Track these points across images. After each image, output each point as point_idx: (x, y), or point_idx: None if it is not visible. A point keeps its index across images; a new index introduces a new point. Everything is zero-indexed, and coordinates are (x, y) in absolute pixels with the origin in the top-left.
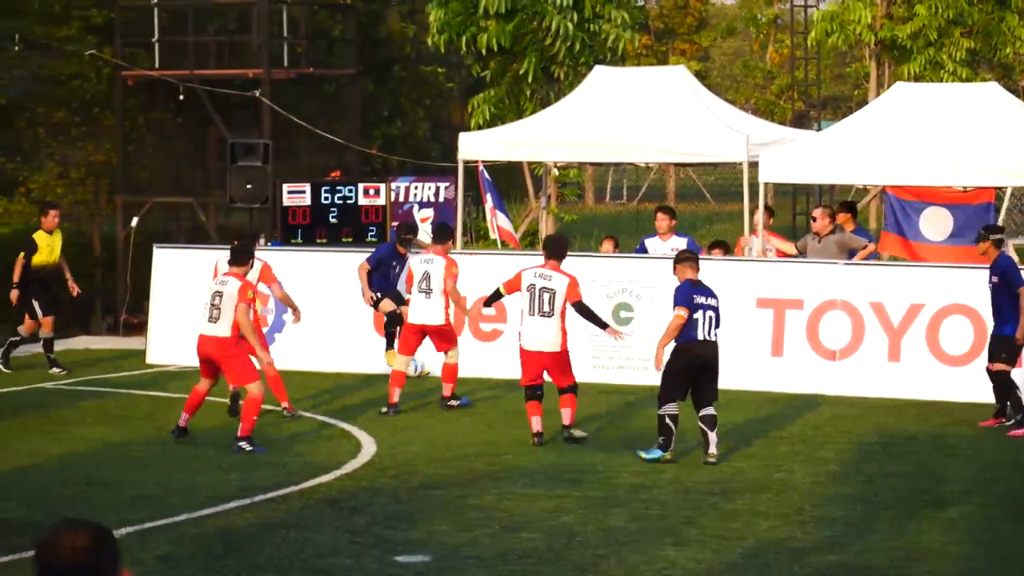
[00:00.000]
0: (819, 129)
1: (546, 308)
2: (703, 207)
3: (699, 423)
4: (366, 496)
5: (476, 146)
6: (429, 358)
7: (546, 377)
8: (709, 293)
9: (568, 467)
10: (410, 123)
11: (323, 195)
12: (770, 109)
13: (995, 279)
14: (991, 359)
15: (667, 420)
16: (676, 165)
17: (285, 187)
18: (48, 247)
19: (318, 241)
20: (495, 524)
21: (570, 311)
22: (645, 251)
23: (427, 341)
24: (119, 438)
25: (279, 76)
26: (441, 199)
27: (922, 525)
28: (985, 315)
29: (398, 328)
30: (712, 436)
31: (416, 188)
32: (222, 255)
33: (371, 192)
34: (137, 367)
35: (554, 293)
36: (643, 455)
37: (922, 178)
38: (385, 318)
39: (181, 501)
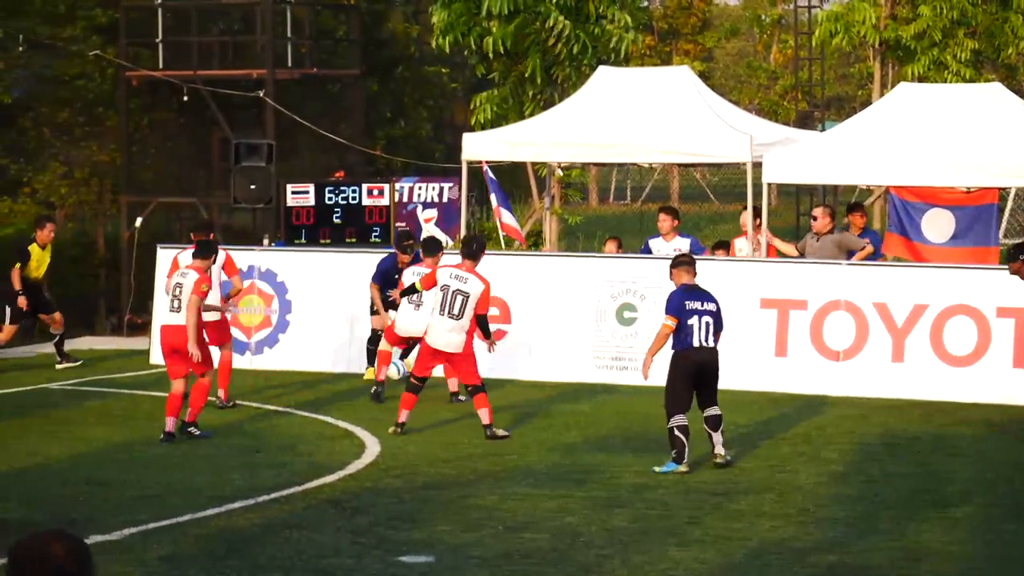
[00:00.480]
0: (823, 129)
1: (455, 310)
2: (707, 207)
3: (703, 425)
4: (369, 496)
5: (480, 146)
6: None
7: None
8: (706, 298)
9: (571, 467)
10: (413, 123)
11: (327, 195)
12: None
13: None
14: None
15: (676, 432)
16: (680, 166)
17: (289, 187)
18: (36, 263)
19: (322, 242)
20: (498, 524)
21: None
22: (649, 251)
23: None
24: (122, 438)
25: (283, 76)
26: (445, 199)
27: (924, 525)
28: (989, 316)
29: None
30: (717, 436)
31: (420, 189)
32: (184, 253)
33: (375, 193)
34: (141, 367)
35: (467, 297)
36: (657, 470)
37: (926, 178)
38: (370, 333)
39: (183, 501)
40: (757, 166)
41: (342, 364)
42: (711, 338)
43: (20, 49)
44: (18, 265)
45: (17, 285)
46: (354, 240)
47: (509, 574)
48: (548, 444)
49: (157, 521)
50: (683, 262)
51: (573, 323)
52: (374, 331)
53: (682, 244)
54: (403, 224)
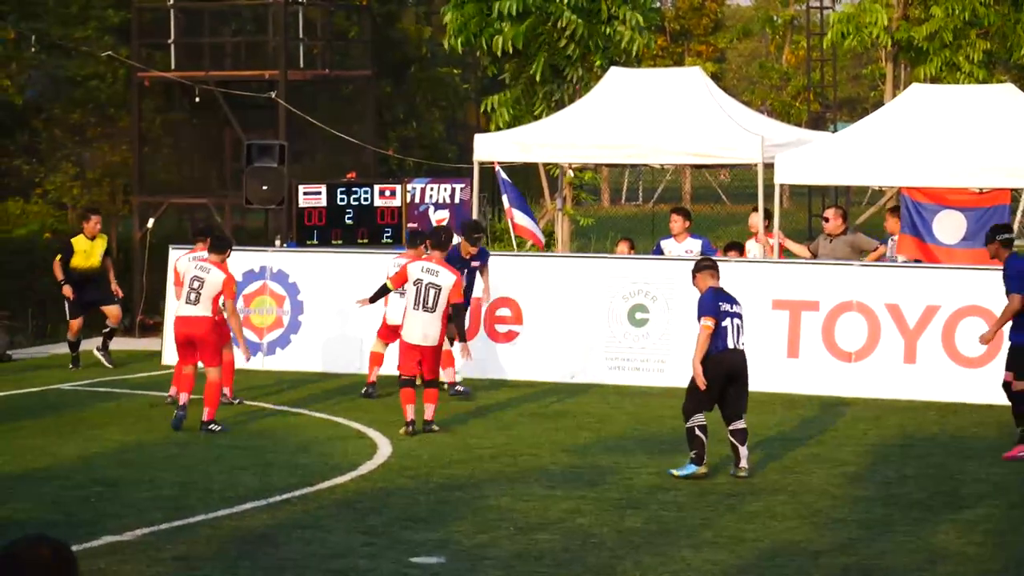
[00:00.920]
0: (835, 130)
1: (430, 304)
2: (719, 208)
3: (729, 437)
4: (382, 497)
5: (492, 147)
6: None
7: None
8: (733, 300)
9: (585, 468)
10: (426, 124)
11: (339, 196)
12: (786, 111)
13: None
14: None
15: (697, 432)
16: (692, 167)
17: (301, 188)
18: (85, 252)
19: (333, 242)
20: (511, 525)
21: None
22: (661, 252)
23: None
24: (134, 439)
25: (295, 77)
26: (457, 200)
27: (939, 527)
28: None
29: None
30: (743, 451)
31: (432, 189)
32: (182, 259)
33: (387, 193)
34: (153, 368)
35: (440, 290)
36: (676, 472)
37: (938, 179)
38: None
39: (197, 502)
40: (769, 167)
41: (354, 365)
42: (741, 340)
43: (33, 50)
44: (59, 257)
45: (58, 276)
46: (366, 241)
47: (522, 575)
48: (561, 445)
49: (170, 521)
50: (707, 266)
51: (585, 324)
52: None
53: (694, 245)
54: (415, 225)
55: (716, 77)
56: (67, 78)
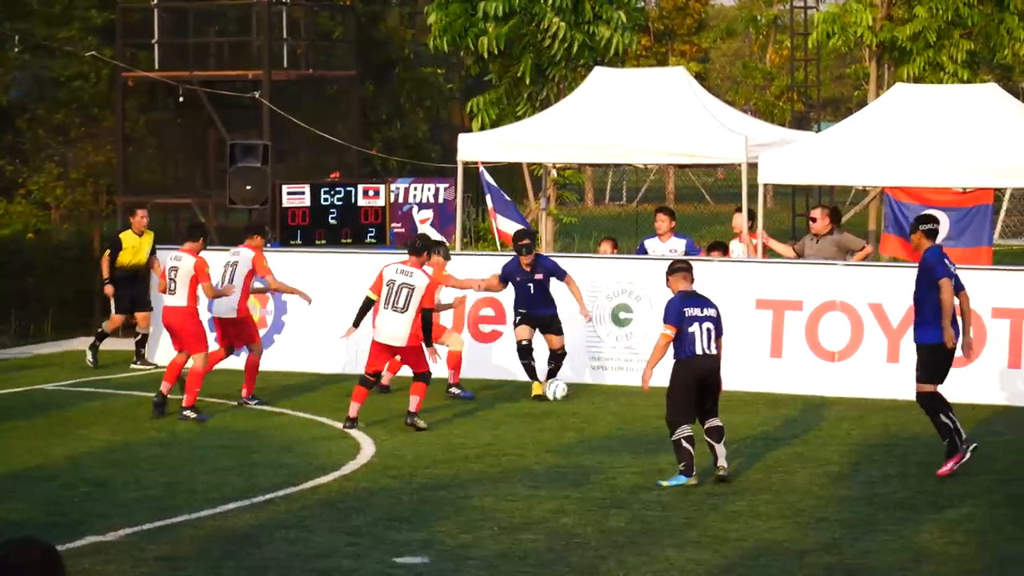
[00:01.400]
0: (819, 130)
1: (400, 303)
2: (702, 208)
3: (705, 437)
4: (366, 497)
5: (476, 147)
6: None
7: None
8: (705, 303)
9: (569, 468)
10: (409, 124)
11: (322, 196)
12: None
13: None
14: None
15: (684, 444)
16: (675, 166)
17: (284, 188)
18: (133, 248)
19: (317, 242)
20: (495, 525)
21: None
22: (645, 252)
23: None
24: (121, 439)
25: (279, 77)
26: (440, 200)
27: (922, 526)
28: (984, 317)
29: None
30: (720, 448)
31: (415, 189)
32: (168, 255)
33: (370, 193)
34: (138, 368)
35: (412, 290)
36: (664, 484)
37: (922, 179)
38: (520, 344)
39: (181, 502)
40: (753, 167)
41: (338, 365)
42: (713, 345)
43: (17, 50)
44: (107, 252)
45: (104, 273)
46: (350, 241)
47: (506, 575)
48: (545, 445)
49: (154, 522)
50: (679, 268)
51: (569, 324)
52: (522, 343)
53: (678, 245)
54: (399, 224)
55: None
56: (51, 78)
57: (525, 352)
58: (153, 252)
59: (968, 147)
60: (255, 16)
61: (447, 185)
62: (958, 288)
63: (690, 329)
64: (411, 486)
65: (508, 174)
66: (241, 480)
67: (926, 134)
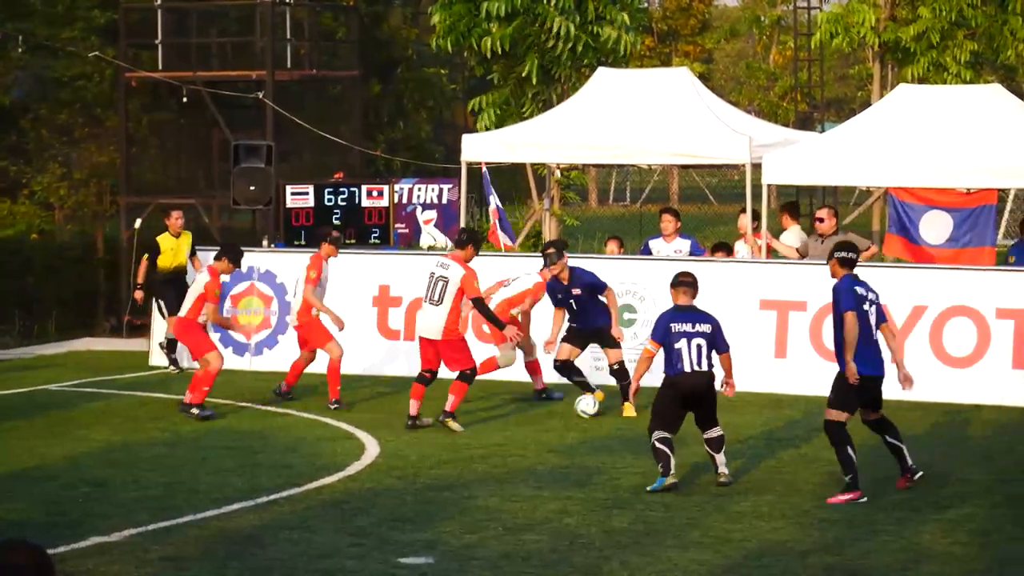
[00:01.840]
0: (822, 131)
1: (436, 296)
2: (706, 209)
3: (705, 447)
4: (370, 497)
5: (479, 148)
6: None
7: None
8: (699, 319)
9: (572, 469)
10: (413, 125)
11: (326, 197)
12: (773, 111)
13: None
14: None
15: (658, 445)
16: (679, 167)
17: (288, 188)
18: (171, 250)
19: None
20: (499, 526)
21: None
22: (649, 252)
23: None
24: (123, 439)
25: (282, 78)
26: (444, 201)
27: (925, 527)
28: (988, 317)
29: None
30: (720, 457)
31: (419, 190)
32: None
33: (374, 194)
34: (140, 368)
35: (447, 282)
36: (649, 489)
37: (926, 180)
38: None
39: (184, 502)
40: (756, 167)
41: (342, 366)
42: (704, 361)
43: (19, 50)
44: (146, 256)
45: (139, 278)
46: (353, 241)
47: (510, 575)
48: (548, 445)
49: (157, 522)
50: (683, 282)
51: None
52: (555, 363)
53: (683, 246)
54: (403, 225)
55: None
56: (54, 78)
57: (562, 371)
58: (193, 252)
59: (972, 148)
60: (258, 16)
61: (451, 186)
62: (880, 319)
63: (676, 345)
64: (415, 487)
65: (512, 174)
66: (245, 481)
67: (930, 135)
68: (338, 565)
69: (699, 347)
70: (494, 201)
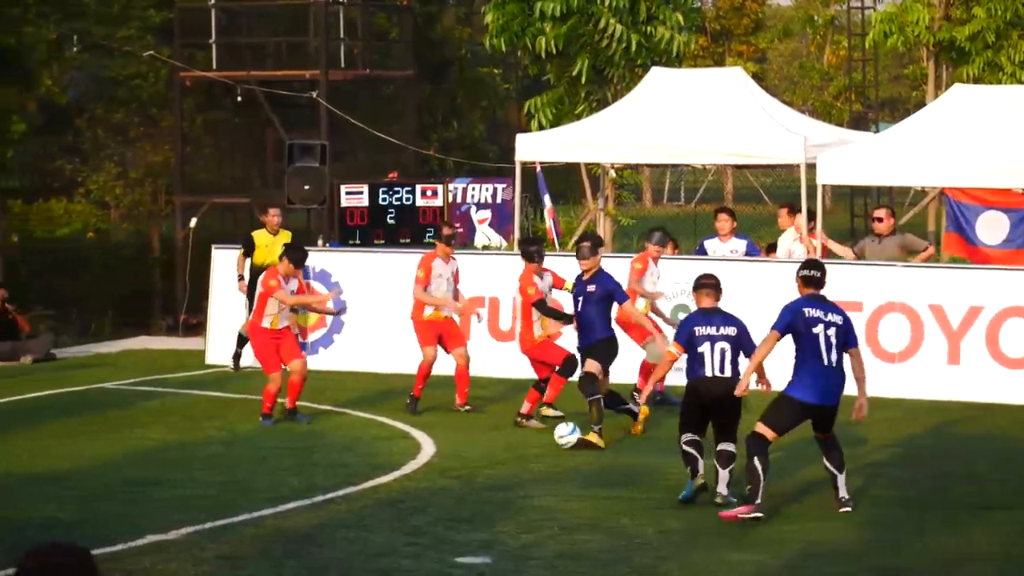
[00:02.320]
0: (877, 131)
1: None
2: (761, 209)
3: (713, 460)
4: (426, 497)
5: (533, 147)
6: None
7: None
8: (724, 322)
9: (626, 469)
10: (467, 124)
11: (381, 196)
12: (827, 111)
13: None
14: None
15: (685, 448)
16: (733, 167)
17: (343, 188)
18: (266, 247)
19: (375, 242)
20: (556, 525)
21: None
22: (704, 252)
23: None
24: (179, 438)
25: (336, 77)
26: (498, 200)
27: (975, 528)
28: None
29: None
30: (723, 474)
31: (473, 189)
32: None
33: (428, 193)
34: (197, 367)
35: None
36: (681, 498)
37: (981, 180)
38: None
39: (240, 501)
40: (811, 167)
41: (396, 365)
42: (727, 367)
43: (75, 50)
44: (242, 251)
45: (239, 271)
46: (408, 241)
47: (567, 575)
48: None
49: (214, 521)
50: (703, 284)
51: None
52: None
53: (738, 246)
54: (457, 225)
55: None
56: (109, 78)
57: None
58: None
59: None
60: (312, 16)
61: (505, 185)
62: (848, 344)
63: (699, 349)
64: (471, 486)
65: (566, 174)
66: (301, 480)
67: (985, 135)
68: (394, 564)
69: (723, 351)
70: (548, 200)
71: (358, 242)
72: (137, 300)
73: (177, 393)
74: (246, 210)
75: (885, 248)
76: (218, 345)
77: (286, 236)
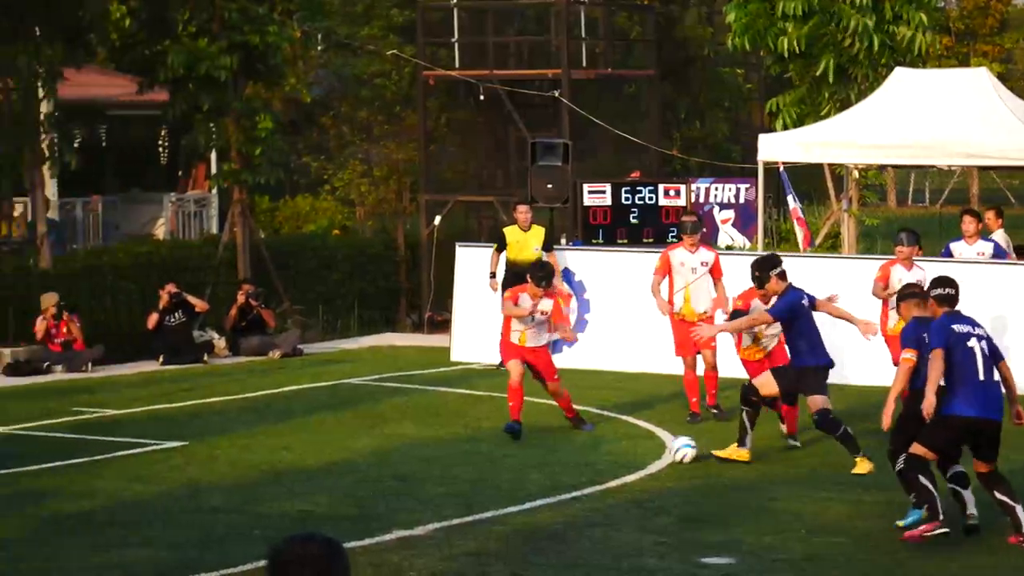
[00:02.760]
0: None
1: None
2: (1008, 211)
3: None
4: (670, 497)
5: (776, 148)
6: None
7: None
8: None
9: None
10: (709, 124)
11: (623, 195)
12: None
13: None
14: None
15: (921, 480)
16: (979, 168)
17: (585, 187)
18: (517, 243)
19: (619, 241)
20: (801, 527)
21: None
22: (950, 255)
23: None
24: (427, 435)
25: (578, 76)
26: (742, 201)
27: None
28: None
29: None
30: (966, 495)
31: (716, 190)
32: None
33: (671, 193)
34: (442, 364)
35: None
36: (900, 523)
37: None
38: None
39: (487, 498)
40: None
41: (641, 364)
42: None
43: (319, 48)
44: (495, 246)
45: (491, 268)
46: (651, 240)
47: None
48: (838, 448)
49: (462, 517)
50: (908, 295)
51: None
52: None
53: (985, 248)
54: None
55: (1003, 77)
56: (353, 76)
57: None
58: (549, 248)
59: None
60: (553, 15)
61: (748, 186)
62: (996, 356)
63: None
64: (715, 487)
65: (810, 174)
66: (545, 478)
67: None
68: (640, 564)
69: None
70: (793, 201)
71: (601, 241)
72: (382, 297)
73: (424, 390)
74: (490, 208)
75: None
76: (463, 342)
77: (538, 232)
